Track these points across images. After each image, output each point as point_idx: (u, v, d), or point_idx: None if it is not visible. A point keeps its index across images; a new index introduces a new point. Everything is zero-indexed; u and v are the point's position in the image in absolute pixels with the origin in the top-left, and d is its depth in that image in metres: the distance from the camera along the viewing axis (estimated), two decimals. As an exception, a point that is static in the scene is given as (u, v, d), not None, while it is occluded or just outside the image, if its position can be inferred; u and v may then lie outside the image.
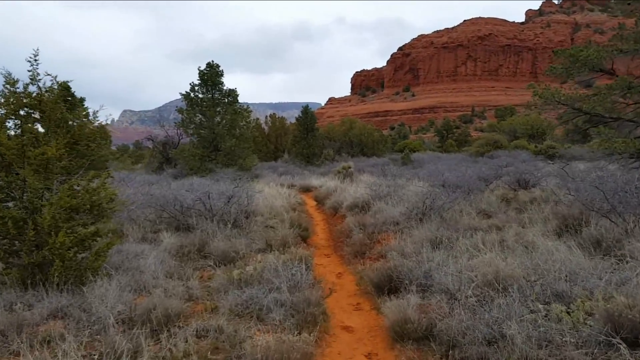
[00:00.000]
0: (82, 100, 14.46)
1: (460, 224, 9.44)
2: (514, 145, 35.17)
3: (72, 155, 6.43)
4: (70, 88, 11.82)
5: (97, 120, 6.98)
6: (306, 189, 23.03)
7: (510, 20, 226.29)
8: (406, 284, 6.13)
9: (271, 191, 17.81)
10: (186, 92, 22.44)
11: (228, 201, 9.91)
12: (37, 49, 6.24)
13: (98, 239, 6.28)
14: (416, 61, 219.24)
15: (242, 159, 22.36)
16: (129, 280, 6.26)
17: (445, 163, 28.17)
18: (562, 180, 16.02)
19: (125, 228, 9.75)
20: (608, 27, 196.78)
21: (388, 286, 6.43)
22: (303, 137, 36.82)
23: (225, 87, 22.89)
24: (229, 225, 9.24)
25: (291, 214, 12.13)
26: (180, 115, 22.32)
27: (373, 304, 6.42)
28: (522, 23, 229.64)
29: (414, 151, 45.00)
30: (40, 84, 6.32)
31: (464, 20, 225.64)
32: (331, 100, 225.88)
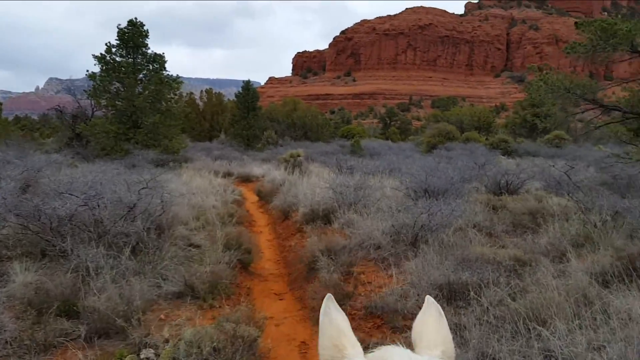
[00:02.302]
0: None
1: (471, 253, 6.59)
2: (465, 137, 33.30)
3: None
4: None
5: None
6: (246, 179, 19.62)
7: (450, 11, 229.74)
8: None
9: (202, 182, 14.31)
10: (101, 54, 18.21)
11: (129, 211, 6.46)
12: None
13: None
14: (358, 46, 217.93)
15: (167, 139, 18.53)
16: None
17: (401, 154, 25.65)
18: (548, 182, 13.76)
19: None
20: (542, 24, 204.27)
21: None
22: (243, 116, 32.99)
23: (150, 51, 18.86)
24: (127, 252, 5.84)
25: (226, 224, 8.81)
26: (92, 81, 18.07)
27: None
28: (461, 15, 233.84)
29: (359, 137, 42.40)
30: None
31: (406, 8, 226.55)
32: (271, 80, 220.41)
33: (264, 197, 14.27)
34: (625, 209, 7.42)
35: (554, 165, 12.15)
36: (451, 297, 5.36)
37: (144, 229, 6.50)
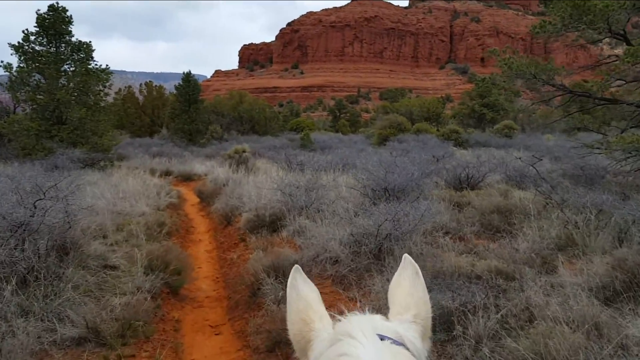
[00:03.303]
0: None
1: (445, 265, 5.57)
2: (416, 129, 32.79)
3: None
4: None
5: None
6: (187, 177, 18.04)
7: (395, 3, 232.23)
8: None
9: (135, 184, 12.72)
10: (18, 42, 16.05)
11: (16, 231, 4.98)
12: None
13: None
14: (305, 38, 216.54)
15: (97, 135, 16.65)
16: None
17: (354, 148, 24.72)
18: (508, 175, 13.08)
19: None
20: (484, 16, 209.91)
21: None
22: (184, 109, 30.98)
23: (74, 39, 16.83)
24: (11, 286, 4.41)
25: (154, 237, 7.41)
26: (7, 73, 15.90)
27: None
28: (405, 7, 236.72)
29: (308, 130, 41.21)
30: None
31: (352, 0, 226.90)
32: (218, 73, 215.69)
33: (206, 199, 12.86)
34: (611, 206, 6.59)
35: (520, 158, 11.37)
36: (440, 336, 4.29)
37: (38, 252, 5.06)
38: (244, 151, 17.04)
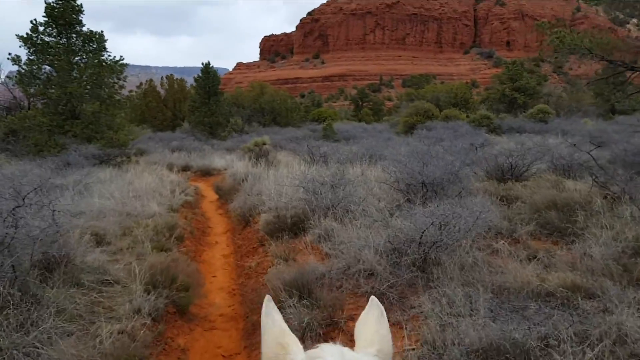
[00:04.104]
0: None
1: (507, 280, 4.54)
2: (444, 115, 31.38)
3: None
4: None
5: None
6: (206, 172, 17.24)
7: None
8: None
9: (150, 180, 11.92)
10: (27, 33, 15.38)
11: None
12: None
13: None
14: (325, 27, 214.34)
15: (112, 130, 15.93)
16: None
17: (379, 137, 23.58)
18: (554, 163, 11.84)
19: None
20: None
21: None
22: (204, 102, 30.19)
23: (86, 29, 16.08)
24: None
25: (161, 243, 6.52)
26: (17, 66, 15.24)
27: None
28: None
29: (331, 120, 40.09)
30: None
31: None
32: (239, 66, 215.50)
33: (224, 195, 11.99)
34: None
35: (575, 144, 10.14)
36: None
37: (13, 271, 4.20)
38: (264, 143, 16.12)
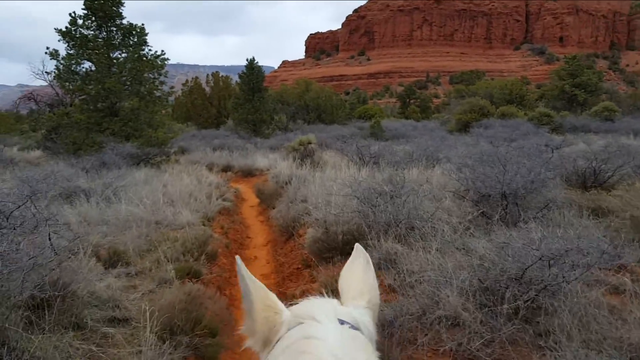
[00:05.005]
0: None
1: (633, 335, 3.21)
2: (500, 113, 29.39)
3: None
4: None
5: None
6: (248, 172, 16.30)
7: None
8: None
9: (188, 182, 11.02)
10: (66, 27, 14.82)
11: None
12: None
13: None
14: (371, 24, 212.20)
15: (151, 128, 15.20)
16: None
17: (432, 135, 22.05)
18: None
19: None
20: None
21: None
22: (248, 98, 29.39)
23: (125, 22, 15.40)
24: None
25: (188, 263, 5.45)
26: (54, 61, 14.71)
27: None
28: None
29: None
30: None
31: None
32: (285, 64, 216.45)
33: (266, 200, 10.93)
34: None
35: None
36: None
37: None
38: (309, 143, 14.99)
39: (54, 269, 3.87)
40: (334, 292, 3.63)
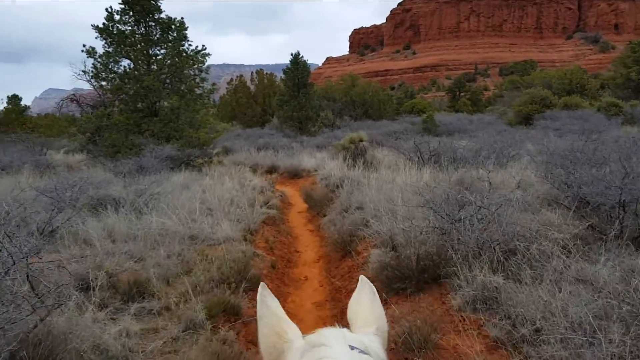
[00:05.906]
0: None
1: None
2: (563, 103, 27.14)
3: None
4: None
5: None
6: (294, 174, 15.23)
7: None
8: None
9: (230, 186, 10.01)
10: (104, 23, 14.14)
11: None
12: None
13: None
14: (417, 17, 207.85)
15: (193, 128, 14.34)
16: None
17: (492, 129, 20.35)
18: None
19: None
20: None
21: None
22: (293, 95, 28.36)
23: (164, 16, 14.57)
24: None
25: (225, 299, 4.35)
26: (91, 59, 14.03)
27: None
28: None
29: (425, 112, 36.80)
30: None
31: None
32: (329, 60, 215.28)
33: (315, 205, 9.77)
34: None
35: None
36: None
37: None
38: (360, 140, 13.71)
39: (35, 326, 2.82)
40: (420, 350, 2.39)
